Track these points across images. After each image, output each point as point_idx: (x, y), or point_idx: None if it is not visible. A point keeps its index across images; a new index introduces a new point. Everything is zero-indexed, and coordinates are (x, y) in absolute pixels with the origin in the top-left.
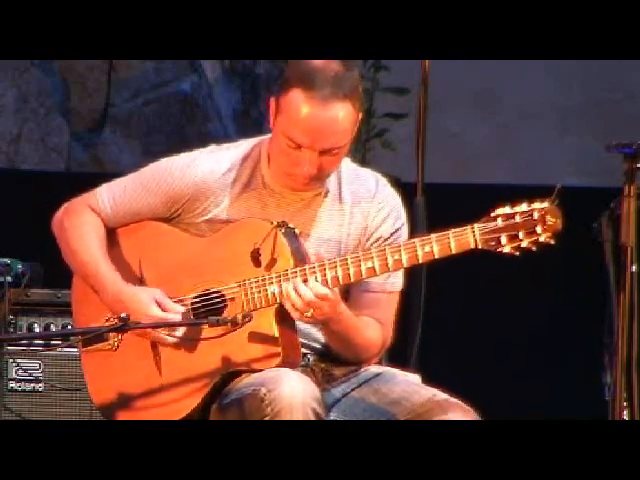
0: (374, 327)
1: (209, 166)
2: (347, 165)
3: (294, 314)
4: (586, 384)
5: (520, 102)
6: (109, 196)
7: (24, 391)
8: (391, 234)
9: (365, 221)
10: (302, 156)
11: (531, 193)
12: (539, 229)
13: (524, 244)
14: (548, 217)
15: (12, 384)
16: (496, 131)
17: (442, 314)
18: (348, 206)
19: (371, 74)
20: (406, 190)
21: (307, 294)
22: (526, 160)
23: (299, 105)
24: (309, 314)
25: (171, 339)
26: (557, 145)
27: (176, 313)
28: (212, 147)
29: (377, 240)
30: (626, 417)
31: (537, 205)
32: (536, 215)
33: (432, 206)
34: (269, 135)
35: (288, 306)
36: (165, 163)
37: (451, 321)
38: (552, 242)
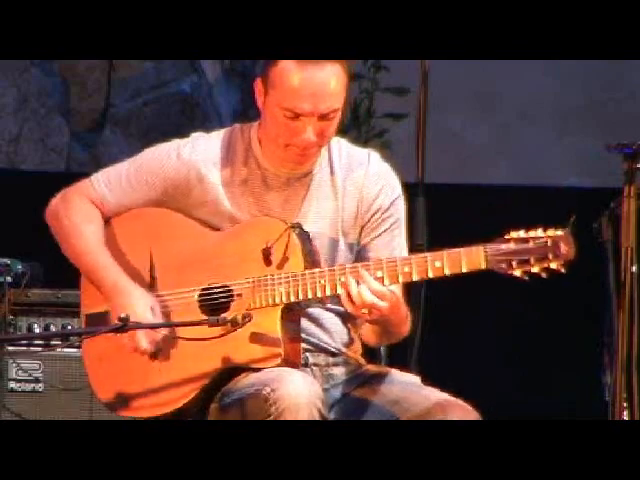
0: (409, 316)
1: (201, 148)
2: (338, 141)
3: (348, 307)
4: (586, 384)
5: (520, 102)
6: (105, 183)
7: (24, 391)
8: (390, 204)
9: (360, 193)
10: (301, 125)
11: (531, 193)
12: (551, 256)
13: (534, 269)
14: (562, 245)
15: (12, 384)
16: (496, 131)
17: (442, 314)
18: (340, 179)
19: (371, 74)
20: (406, 190)
21: (368, 297)
22: (526, 160)
23: (291, 73)
24: (365, 311)
25: (146, 345)
26: (557, 145)
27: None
28: (199, 133)
29: (376, 212)
30: (626, 417)
31: (551, 232)
32: (549, 242)
33: (432, 206)
34: (255, 123)
35: (344, 299)
36: (158, 147)
37: (451, 321)
38: (563, 270)
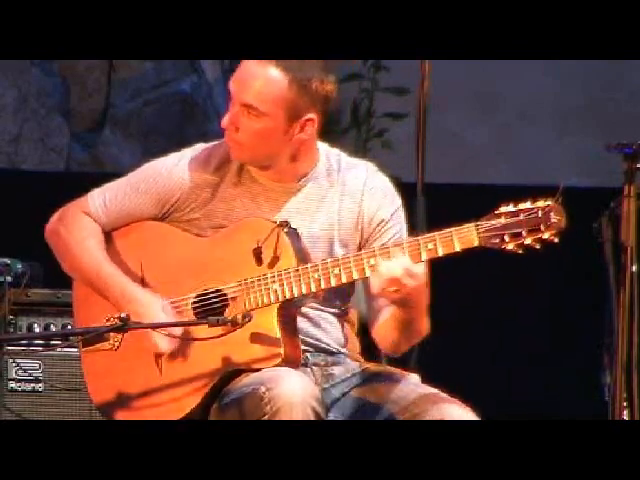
0: (428, 312)
1: (197, 164)
2: (335, 153)
3: (376, 283)
4: (586, 384)
5: (520, 102)
6: (101, 200)
7: (24, 391)
8: (392, 215)
9: (358, 206)
10: (230, 107)
11: (531, 193)
12: (542, 227)
13: (527, 242)
14: (552, 215)
15: (12, 384)
16: (496, 131)
17: (442, 314)
18: (337, 192)
19: (371, 74)
20: (406, 190)
21: (396, 270)
22: (526, 160)
23: (245, 61)
24: (393, 289)
25: (166, 347)
26: (557, 145)
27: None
28: (199, 145)
29: (379, 224)
30: (626, 417)
31: (541, 203)
32: (540, 213)
33: (432, 206)
34: None
35: (374, 280)
36: (154, 164)
37: (451, 321)
38: (556, 240)
